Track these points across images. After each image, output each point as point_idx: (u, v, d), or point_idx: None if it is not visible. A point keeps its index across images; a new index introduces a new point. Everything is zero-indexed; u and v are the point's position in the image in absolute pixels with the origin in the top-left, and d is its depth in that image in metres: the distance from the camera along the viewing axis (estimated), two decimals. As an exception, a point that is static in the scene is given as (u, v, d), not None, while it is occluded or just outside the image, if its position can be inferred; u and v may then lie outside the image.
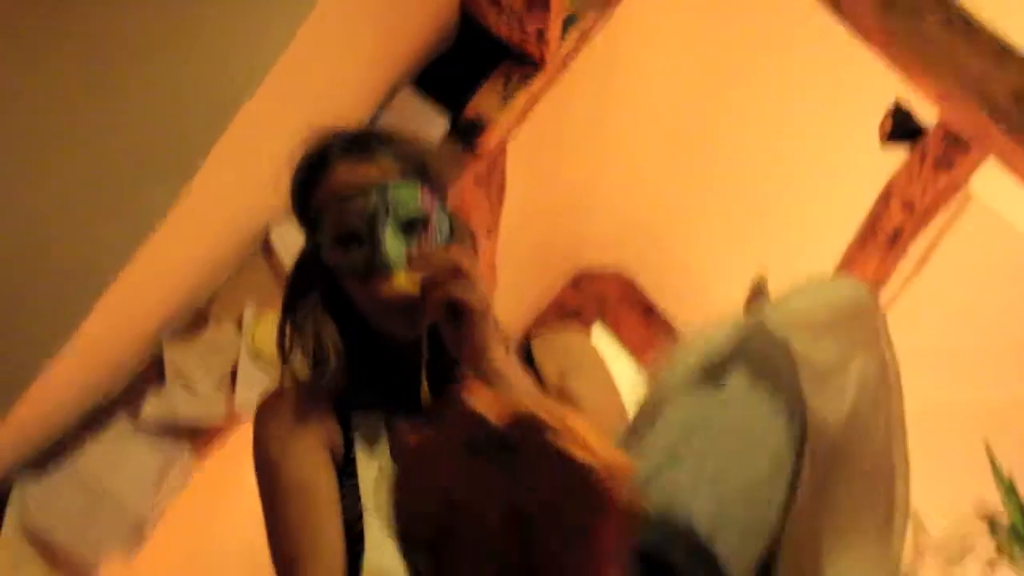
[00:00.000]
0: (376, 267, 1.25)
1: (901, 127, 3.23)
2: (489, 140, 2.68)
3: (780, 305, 1.00)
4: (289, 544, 1.26)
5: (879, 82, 2.93)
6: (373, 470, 1.27)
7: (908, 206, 3.40)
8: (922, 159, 3.26)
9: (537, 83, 2.64)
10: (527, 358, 1.40)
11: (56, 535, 2.31)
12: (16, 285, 2.06)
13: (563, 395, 1.35)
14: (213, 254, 2.47)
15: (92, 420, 2.44)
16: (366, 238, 1.26)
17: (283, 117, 2.16)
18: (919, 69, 2.66)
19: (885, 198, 3.46)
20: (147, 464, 2.40)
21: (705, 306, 4.42)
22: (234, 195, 2.30)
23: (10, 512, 2.30)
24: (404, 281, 1.25)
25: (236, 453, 2.50)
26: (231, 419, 2.48)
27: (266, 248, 2.55)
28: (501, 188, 3.02)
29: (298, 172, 1.34)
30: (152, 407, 2.45)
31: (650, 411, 0.96)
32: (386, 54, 2.49)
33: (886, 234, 3.54)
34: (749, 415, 0.93)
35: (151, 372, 2.50)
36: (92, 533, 2.34)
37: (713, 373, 0.94)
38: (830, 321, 0.97)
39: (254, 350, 2.48)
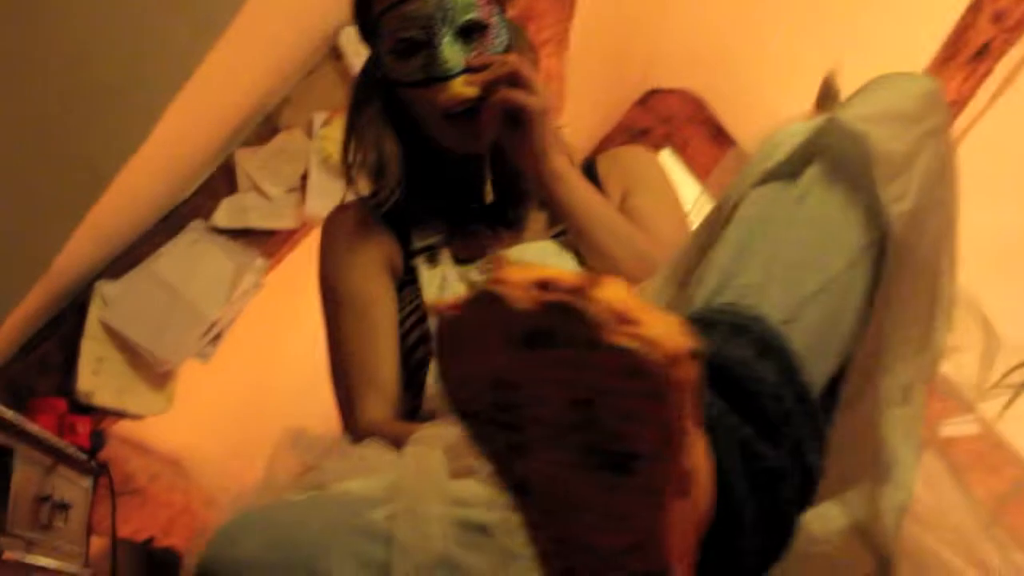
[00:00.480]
0: (434, 74, 1.24)
1: (995, -67, 3.07)
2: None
3: (856, 98, 0.95)
4: (343, 356, 1.29)
5: None
6: (436, 278, 1.28)
7: (998, 18, 3.26)
8: (1016, -32, 3.11)
9: None
10: (591, 176, 1.38)
11: (133, 335, 2.38)
12: (88, 86, 2.07)
13: (625, 213, 1.34)
14: (282, 59, 2.45)
15: (167, 226, 2.48)
16: (423, 45, 1.25)
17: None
18: None
19: (974, 9, 3.32)
20: (221, 269, 2.44)
21: (773, 125, 4.32)
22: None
23: (92, 311, 2.37)
24: (462, 87, 1.24)
25: (308, 258, 2.54)
26: (302, 225, 2.50)
27: (335, 52, 2.51)
28: (572, 2, 2.94)
29: None
30: (224, 213, 2.48)
31: (717, 217, 0.92)
32: None
33: (971, 50, 3.41)
34: (824, 212, 0.87)
35: (223, 179, 2.51)
36: (168, 335, 2.41)
37: (787, 170, 0.89)
38: (905, 112, 0.90)
39: (324, 156, 2.48)
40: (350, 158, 1.35)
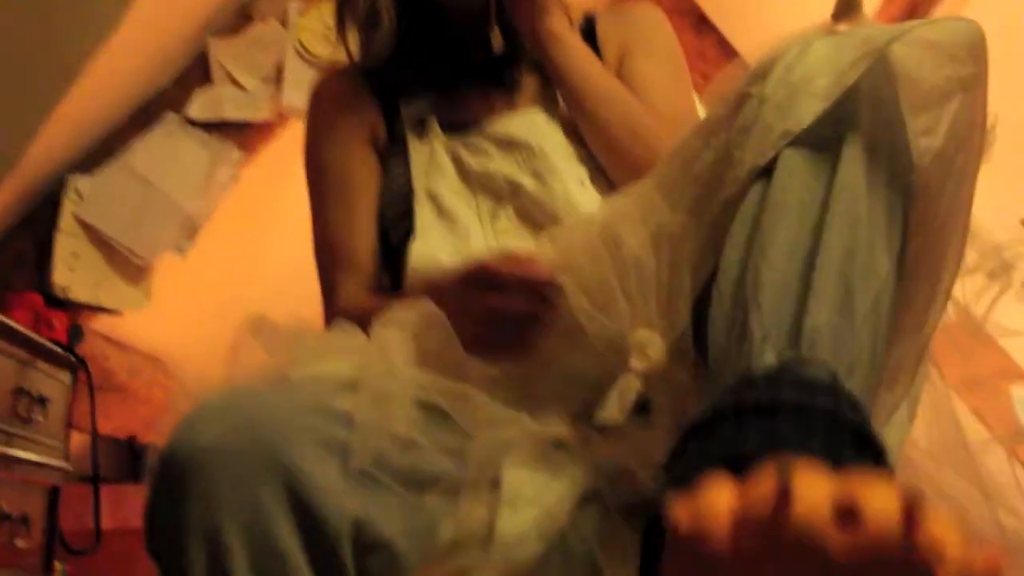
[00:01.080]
0: None
1: None
2: None
3: (904, 33, 0.81)
4: (323, 237, 1.25)
5: None
6: (424, 154, 1.23)
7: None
8: None
9: None
10: (590, 34, 1.31)
11: (108, 229, 2.35)
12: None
13: (623, 76, 1.26)
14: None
15: (141, 118, 2.43)
16: None
17: None
18: None
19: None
20: (196, 161, 2.40)
21: (755, 14, 4.25)
22: None
23: (66, 205, 2.33)
24: None
25: (284, 151, 2.50)
26: (278, 116, 2.46)
27: (310, -60, 2.45)
28: None
29: None
30: (199, 105, 2.43)
31: (724, 157, 0.82)
32: None
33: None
34: (868, 203, 0.77)
35: (197, 70, 2.46)
36: (144, 229, 2.38)
37: (816, 139, 0.79)
38: (942, 45, 0.81)
39: (300, 46, 2.42)
40: (342, 10, 1.26)
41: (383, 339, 0.90)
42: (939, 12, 3.51)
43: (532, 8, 1.18)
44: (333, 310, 1.20)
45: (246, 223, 2.78)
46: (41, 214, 2.37)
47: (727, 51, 4.45)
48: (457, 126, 1.23)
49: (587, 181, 1.15)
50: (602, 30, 1.31)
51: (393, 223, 1.22)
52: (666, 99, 1.24)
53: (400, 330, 0.91)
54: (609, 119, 1.16)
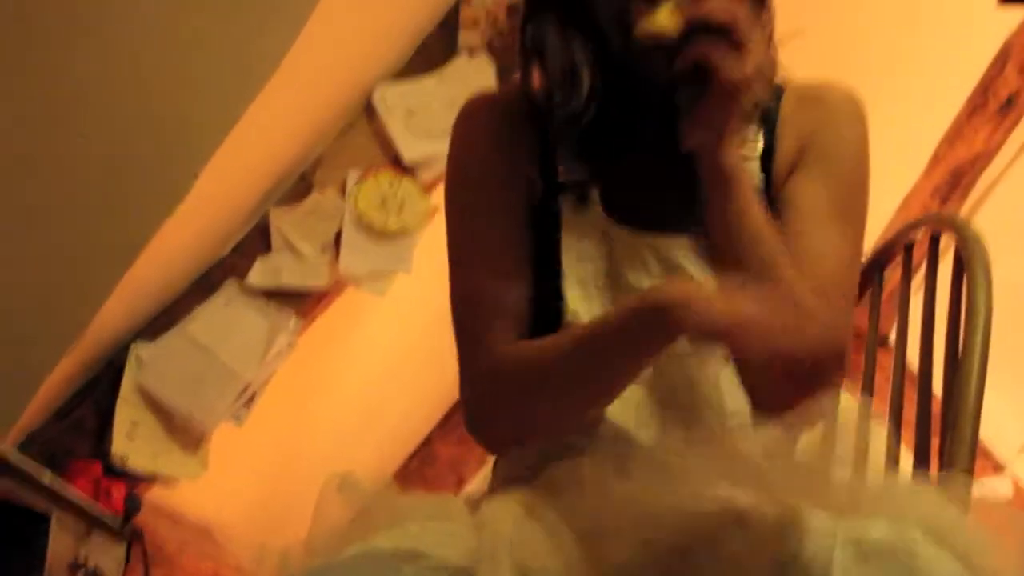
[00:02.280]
0: None
1: (1021, -15, 3.07)
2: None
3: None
4: (472, 295, 1.09)
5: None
6: (575, 232, 1.08)
7: (1025, 70, 3.27)
8: (1042, 19, 3.11)
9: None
10: (772, 113, 1.13)
11: (168, 398, 2.36)
12: (125, 151, 2.07)
13: (788, 188, 1.10)
14: (317, 117, 2.46)
15: (202, 286, 2.47)
16: None
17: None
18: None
19: (1000, 61, 3.32)
20: (255, 330, 2.42)
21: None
22: (337, 56, 2.27)
23: (127, 374, 2.35)
24: (665, 19, 1.00)
25: (340, 319, 2.53)
26: (335, 283, 2.49)
27: (368, 110, 2.52)
28: None
29: None
30: (258, 273, 2.47)
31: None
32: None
33: (999, 101, 3.41)
34: None
35: (258, 239, 2.51)
36: (203, 397, 2.39)
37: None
38: None
39: (358, 214, 2.47)
40: (528, 48, 1.10)
41: (492, 522, 0.85)
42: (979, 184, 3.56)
43: (708, 127, 1.02)
44: (484, 361, 1.04)
45: (301, 390, 2.79)
46: (103, 381, 2.39)
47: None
48: (620, 212, 1.09)
49: (731, 357, 1.02)
50: (785, 114, 1.13)
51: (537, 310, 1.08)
52: (823, 247, 1.06)
53: (507, 512, 0.86)
54: (745, 269, 1.01)
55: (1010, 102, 3.36)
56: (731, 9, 0.99)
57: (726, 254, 1.03)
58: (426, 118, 2.50)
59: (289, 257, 2.47)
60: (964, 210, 3.71)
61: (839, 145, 1.11)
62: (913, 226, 1.45)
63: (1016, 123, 3.44)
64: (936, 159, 3.64)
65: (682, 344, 0.96)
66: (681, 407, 1.02)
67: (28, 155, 2.02)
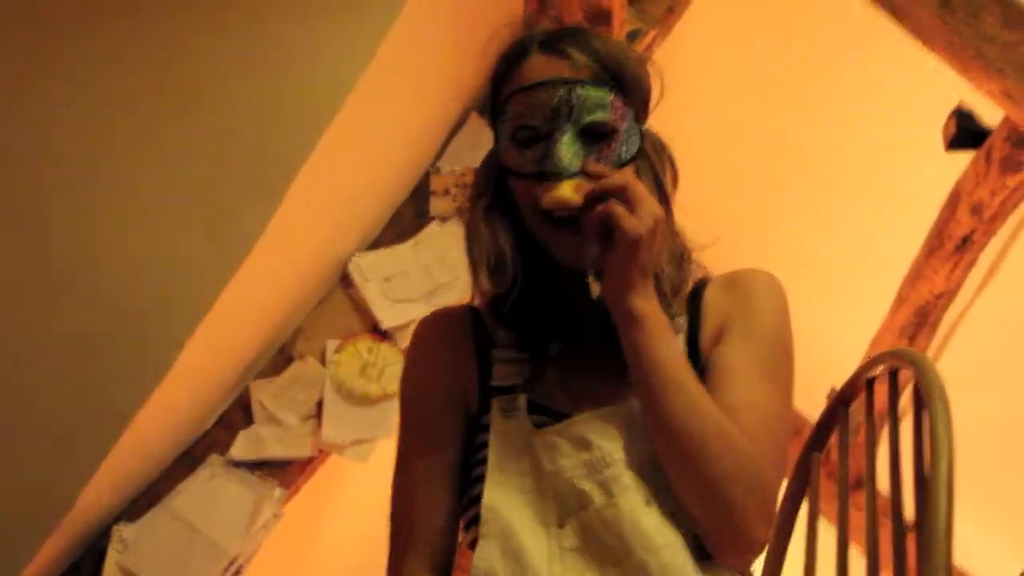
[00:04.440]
0: (547, 170, 1.16)
1: (965, 129, 3.21)
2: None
3: None
4: (399, 494, 1.26)
5: (941, 85, 2.92)
6: (505, 437, 1.20)
7: (976, 211, 3.37)
8: (988, 161, 3.23)
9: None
10: (696, 300, 1.27)
11: (154, 577, 2.34)
12: (105, 332, 2.10)
13: (714, 356, 1.21)
14: (296, 289, 2.51)
15: (185, 462, 2.48)
16: (543, 137, 1.17)
17: (361, 146, 2.21)
18: (980, 69, 2.66)
19: (952, 204, 3.43)
20: (239, 502, 2.42)
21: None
22: (314, 227, 2.34)
23: (110, 557, 2.34)
24: (569, 191, 1.15)
25: (326, 486, 2.53)
26: (319, 452, 2.50)
27: (345, 280, 2.59)
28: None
29: (497, 62, 1.26)
30: (241, 445, 2.48)
31: None
32: (458, 79, 2.53)
33: (954, 241, 3.50)
34: None
35: (239, 412, 2.53)
36: (189, 575, 2.37)
37: None
38: None
39: (338, 382, 2.50)
40: (473, 253, 1.25)
41: None
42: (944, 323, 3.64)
43: (617, 280, 1.14)
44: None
45: (289, 560, 2.77)
46: (85, 565, 2.37)
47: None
48: (543, 410, 1.22)
49: (652, 499, 1.12)
50: (708, 298, 1.27)
51: (466, 501, 1.23)
52: (751, 399, 1.16)
53: None
54: (670, 415, 1.11)
55: (965, 241, 3.45)
56: (624, 176, 1.15)
57: (645, 388, 1.14)
58: (402, 284, 2.57)
59: (271, 428, 2.49)
60: (933, 346, 3.77)
61: (759, 313, 1.24)
62: (872, 364, 1.50)
63: (973, 261, 3.53)
64: (900, 299, 3.72)
65: (598, 496, 1.11)
66: (614, 557, 1.10)
67: (9, 334, 2.05)
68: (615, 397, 1.20)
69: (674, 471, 1.12)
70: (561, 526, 1.13)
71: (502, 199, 1.25)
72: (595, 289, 1.16)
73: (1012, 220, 3.39)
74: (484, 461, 1.20)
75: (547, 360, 1.26)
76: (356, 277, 2.54)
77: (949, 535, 1.15)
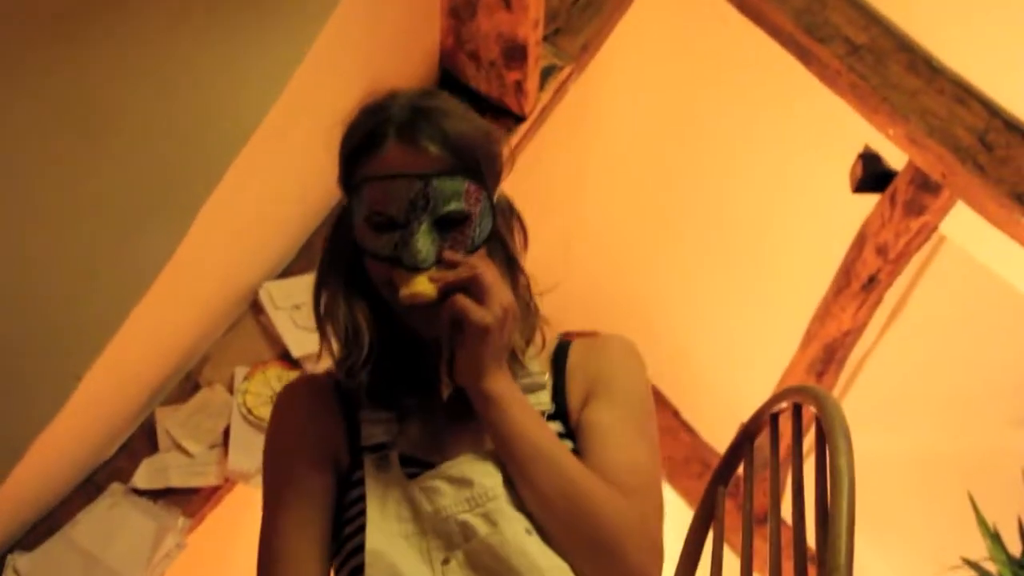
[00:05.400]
0: (404, 261, 1.21)
1: (871, 172, 3.30)
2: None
3: None
4: (271, 550, 1.26)
5: (849, 127, 3.00)
6: (379, 490, 1.24)
7: (882, 251, 3.46)
8: (893, 203, 3.33)
9: (516, 136, 2.69)
10: (561, 360, 1.34)
11: (49, 609, 2.27)
12: (3, 353, 2.05)
13: (583, 418, 1.28)
14: (204, 314, 2.47)
15: (85, 491, 2.41)
16: (400, 225, 1.22)
17: (272, 174, 2.19)
18: (885, 114, 2.74)
19: (858, 244, 3.52)
20: (142, 531, 2.36)
21: (681, 362, 4.44)
22: (224, 251, 2.31)
23: (3, 585, 2.26)
24: (424, 284, 1.21)
25: (232, 516, 2.48)
26: (225, 481, 2.46)
27: (255, 307, 2.56)
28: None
29: (351, 133, 1.30)
30: (144, 474, 2.42)
31: None
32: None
33: (861, 281, 3.60)
34: None
35: (143, 439, 2.47)
36: (87, 606, 2.30)
37: None
38: None
39: (246, 410, 2.47)
40: (323, 314, 1.30)
41: None
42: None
43: (470, 365, 1.21)
44: None
45: (192, 592, 2.71)
46: (-24, 598, 2.29)
47: (655, 396, 4.62)
48: (415, 461, 1.26)
49: (532, 530, 1.18)
50: (572, 363, 1.33)
51: (344, 559, 1.24)
52: (622, 454, 1.24)
53: None
54: (541, 480, 1.18)
55: (871, 281, 3.54)
56: (473, 267, 1.21)
57: (513, 461, 1.20)
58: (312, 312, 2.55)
59: (176, 456, 2.44)
60: (840, 382, 3.85)
61: (623, 377, 1.32)
62: (776, 399, 1.53)
63: (879, 300, 3.63)
64: (809, 336, 3.79)
65: (482, 526, 1.16)
66: None
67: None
68: (483, 443, 1.26)
69: (561, 534, 1.18)
70: (446, 562, 1.17)
71: (357, 268, 1.29)
72: (446, 389, 1.25)
73: (915, 260, 3.49)
74: (359, 515, 1.23)
75: (410, 415, 1.30)
76: (266, 304, 2.51)
77: (849, 568, 1.17)
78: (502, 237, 1.30)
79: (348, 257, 1.30)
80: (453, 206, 1.22)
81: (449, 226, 1.23)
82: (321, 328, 1.31)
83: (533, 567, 1.14)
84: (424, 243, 1.21)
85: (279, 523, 1.26)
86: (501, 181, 1.31)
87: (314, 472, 1.28)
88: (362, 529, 1.21)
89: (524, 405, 1.23)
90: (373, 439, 1.28)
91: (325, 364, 1.37)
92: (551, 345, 1.35)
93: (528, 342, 1.31)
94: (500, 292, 1.21)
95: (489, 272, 1.22)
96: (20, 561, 2.29)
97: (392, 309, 1.27)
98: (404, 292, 1.21)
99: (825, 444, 1.31)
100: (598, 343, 1.36)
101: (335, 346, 1.30)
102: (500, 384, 1.21)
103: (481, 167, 1.26)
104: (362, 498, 1.24)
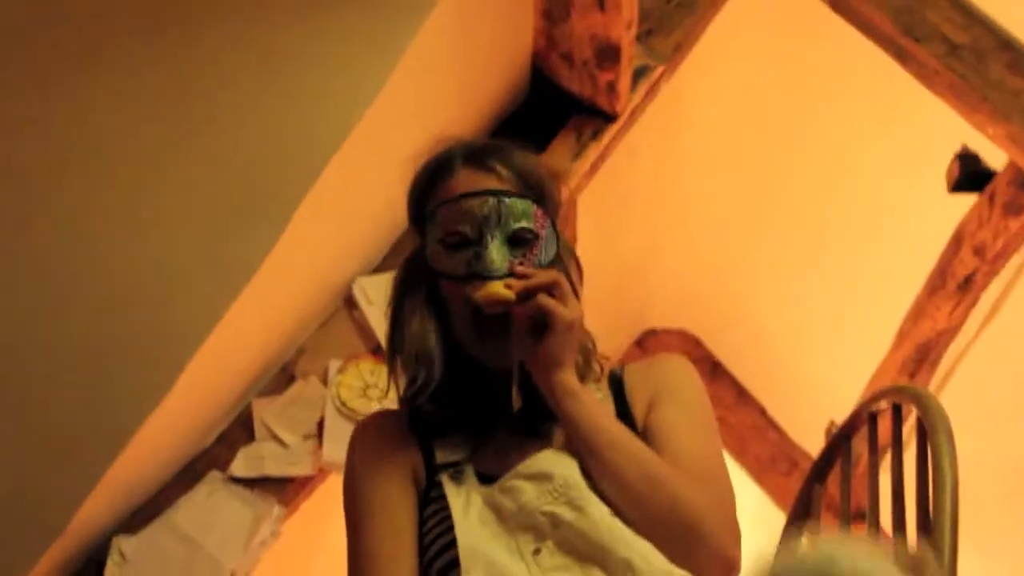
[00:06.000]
0: (478, 271, 1.28)
1: (969, 172, 3.23)
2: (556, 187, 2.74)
3: None
4: (365, 561, 1.29)
5: (946, 127, 2.94)
6: (461, 497, 1.28)
7: (979, 251, 3.39)
8: (991, 203, 3.25)
9: (607, 136, 2.69)
10: (618, 387, 1.40)
11: (152, 591, 2.34)
12: (110, 346, 2.11)
13: (651, 426, 1.33)
14: (299, 309, 2.52)
15: (185, 478, 2.48)
16: (473, 243, 1.29)
17: (367, 174, 2.23)
18: (986, 113, 2.69)
19: (955, 244, 3.45)
20: (239, 519, 2.42)
21: (770, 359, 4.41)
22: (319, 248, 2.35)
23: (109, 569, 2.33)
24: (501, 287, 1.27)
25: (325, 505, 2.53)
26: (319, 471, 2.51)
27: (349, 302, 2.60)
28: (572, 242, 3.07)
29: (421, 173, 1.38)
30: (241, 462, 2.48)
31: None
32: (463, 113, 2.56)
33: (957, 281, 3.52)
34: None
35: (240, 429, 2.53)
36: (187, 589, 2.36)
37: None
38: None
39: (340, 403, 2.51)
40: (395, 344, 1.37)
41: None
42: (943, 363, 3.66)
43: (548, 360, 1.26)
44: None
45: (286, 579, 2.76)
46: (84, 576, 2.37)
47: (742, 394, 4.59)
48: (492, 477, 1.30)
49: (614, 515, 1.21)
50: (631, 383, 1.40)
51: (430, 563, 1.26)
52: (691, 446, 1.29)
53: None
54: (621, 467, 1.22)
55: (967, 281, 3.47)
56: (552, 273, 1.28)
57: (592, 451, 1.25)
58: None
59: (272, 446, 2.49)
60: (933, 383, 3.78)
61: (683, 385, 1.39)
62: (875, 398, 1.52)
63: (975, 300, 3.55)
64: (901, 336, 3.73)
65: (568, 512, 1.20)
66: (596, 561, 1.18)
67: (12, 347, 2.06)
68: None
69: (642, 519, 1.21)
70: (537, 552, 1.20)
71: (432, 299, 1.35)
72: (516, 401, 1.30)
73: (1014, 261, 3.41)
74: (442, 522, 1.27)
75: (480, 438, 1.35)
76: (360, 299, 2.55)
77: (954, 568, 1.17)
78: (565, 267, 1.36)
79: (423, 288, 1.36)
80: (524, 223, 1.30)
81: (518, 244, 1.30)
82: (391, 359, 1.38)
83: (626, 544, 1.17)
84: (498, 254, 1.28)
85: (371, 530, 1.30)
86: (557, 221, 1.37)
87: (398, 488, 1.32)
88: (448, 532, 1.25)
89: (597, 400, 1.30)
90: (448, 458, 1.33)
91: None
92: (605, 374, 1.41)
93: (586, 367, 1.37)
94: (574, 298, 1.29)
95: (564, 278, 1.29)
96: (125, 544, 2.37)
97: (463, 340, 1.33)
98: (480, 294, 1.27)
99: (926, 443, 1.30)
100: (653, 362, 1.44)
101: (402, 376, 1.37)
102: (575, 379, 1.28)
103: (545, 196, 1.34)
104: (444, 509, 1.28)
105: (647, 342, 4.58)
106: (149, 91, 2.03)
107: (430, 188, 1.36)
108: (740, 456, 4.45)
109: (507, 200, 1.29)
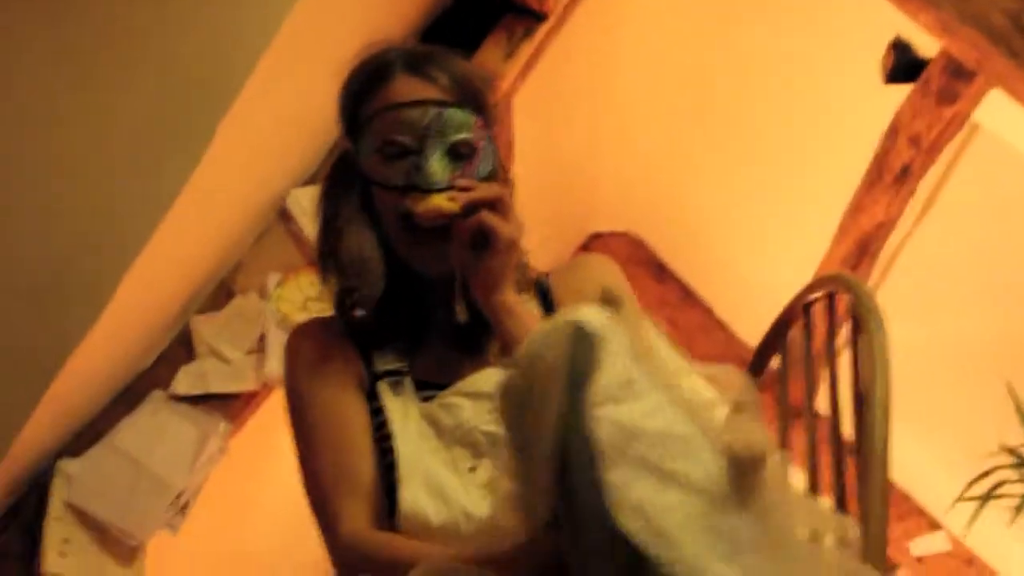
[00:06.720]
0: (418, 183, 1.25)
1: (902, 61, 3.23)
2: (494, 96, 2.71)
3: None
4: (320, 467, 1.27)
5: (879, 17, 2.93)
6: (399, 409, 1.28)
7: (915, 141, 3.40)
8: (925, 92, 3.26)
9: (539, 35, 2.65)
10: (544, 293, 1.40)
11: (100, 512, 2.33)
12: (41, 264, 2.07)
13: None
14: (232, 225, 2.49)
15: (127, 399, 2.46)
16: (412, 153, 1.26)
17: (290, 82, 2.18)
18: (916, 1, 2.67)
19: (891, 135, 3.46)
20: (183, 437, 2.41)
21: (714, 259, 4.43)
22: (249, 160, 2.31)
23: (55, 491, 2.32)
24: (443, 201, 1.24)
25: (271, 420, 2.53)
26: (263, 386, 2.50)
27: (284, 215, 2.56)
28: (509, 145, 3.04)
29: (355, 77, 1.34)
30: (184, 380, 2.47)
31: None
32: (390, 13, 2.50)
33: (894, 172, 3.54)
34: None
35: (181, 348, 2.51)
36: (135, 509, 2.36)
37: None
38: None
39: (280, 316, 2.49)
40: (328, 252, 1.33)
41: None
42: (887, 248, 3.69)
43: (489, 279, 1.24)
44: (339, 539, 1.21)
45: (236, 494, 2.77)
46: (27, 503, 2.35)
47: (688, 295, 4.62)
48: (428, 385, 1.30)
49: None
50: (556, 289, 1.40)
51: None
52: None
53: None
54: None
55: (904, 172, 3.49)
56: (495, 188, 1.26)
57: None
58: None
59: (214, 363, 2.48)
60: (874, 275, 3.83)
61: (604, 281, 1.38)
62: (809, 289, 1.52)
63: (912, 192, 3.58)
64: (842, 230, 3.76)
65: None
66: None
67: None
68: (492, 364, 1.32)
69: None
70: (472, 470, 1.22)
71: (366, 206, 1.32)
72: (462, 314, 1.28)
73: (948, 150, 3.43)
74: (378, 431, 1.27)
75: (419, 347, 1.34)
76: (295, 211, 2.52)
77: (885, 454, 1.18)
78: (503, 181, 1.34)
79: (356, 197, 1.32)
80: (464, 135, 1.27)
81: (459, 156, 1.28)
82: (323, 267, 1.34)
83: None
84: (439, 166, 1.26)
85: (327, 442, 1.28)
86: (494, 132, 1.34)
87: (348, 394, 1.31)
88: (385, 441, 1.25)
89: (536, 317, 1.29)
90: (386, 366, 1.31)
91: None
92: (531, 283, 1.39)
93: (523, 281, 1.35)
94: (515, 215, 1.27)
95: (505, 192, 1.27)
96: (69, 466, 2.35)
97: (398, 250, 1.30)
98: (422, 207, 1.24)
99: (860, 332, 1.31)
100: (576, 266, 1.45)
101: (336, 274, 1.33)
102: (515, 297, 1.26)
103: (484, 106, 1.32)
104: (384, 423, 1.27)
105: (592, 245, 4.58)
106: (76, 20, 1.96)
107: (365, 94, 1.32)
108: (688, 356, 4.50)
109: (448, 111, 1.27)
